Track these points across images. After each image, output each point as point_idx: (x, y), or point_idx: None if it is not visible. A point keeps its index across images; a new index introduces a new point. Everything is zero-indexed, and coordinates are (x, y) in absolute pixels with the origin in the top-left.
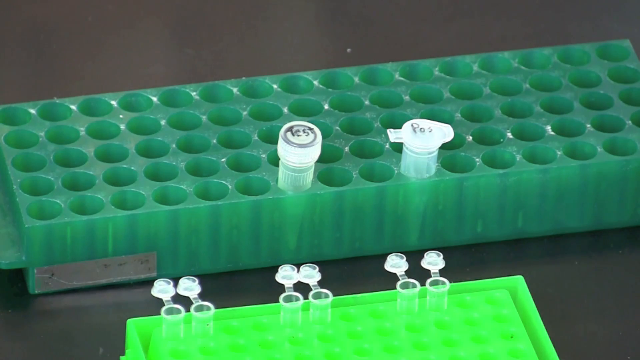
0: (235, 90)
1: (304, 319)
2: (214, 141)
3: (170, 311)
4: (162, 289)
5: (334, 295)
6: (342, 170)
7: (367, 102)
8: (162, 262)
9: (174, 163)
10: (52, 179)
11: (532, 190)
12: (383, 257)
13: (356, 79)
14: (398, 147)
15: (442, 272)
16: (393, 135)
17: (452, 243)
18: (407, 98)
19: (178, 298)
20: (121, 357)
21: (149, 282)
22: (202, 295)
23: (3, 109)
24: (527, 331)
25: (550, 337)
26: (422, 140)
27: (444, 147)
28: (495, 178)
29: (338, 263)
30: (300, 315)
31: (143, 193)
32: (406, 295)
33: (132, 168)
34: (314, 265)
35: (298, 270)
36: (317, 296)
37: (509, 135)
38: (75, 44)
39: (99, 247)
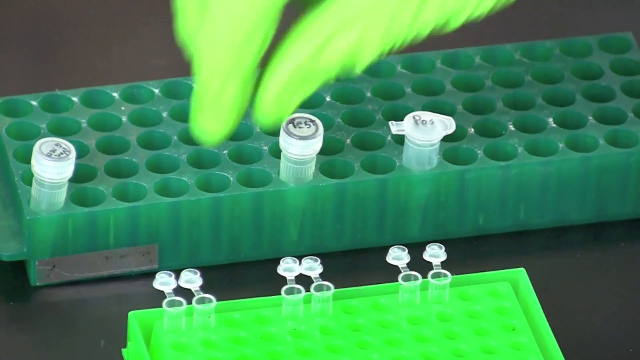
0: None
1: (306, 311)
2: None
3: (171, 303)
4: (163, 282)
5: (335, 288)
6: (343, 162)
7: (369, 94)
8: (163, 254)
9: (175, 155)
10: None
11: (533, 183)
12: (385, 250)
13: None
14: (400, 139)
15: (443, 265)
16: (395, 127)
17: (454, 235)
18: (409, 90)
19: (179, 290)
20: (123, 350)
21: (151, 274)
22: (204, 288)
23: (4, 100)
24: (528, 323)
25: (551, 329)
26: (424, 132)
27: (446, 139)
28: (497, 170)
29: (340, 255)
30: (302, 308)
31: (144, 185)
32: (408, 287)
33: (134, 160)
34: (315, 257)
35: (300, 263)
36: (319, 289)
37: (511, 127)
38: (77, 36)
39: (100, 239)
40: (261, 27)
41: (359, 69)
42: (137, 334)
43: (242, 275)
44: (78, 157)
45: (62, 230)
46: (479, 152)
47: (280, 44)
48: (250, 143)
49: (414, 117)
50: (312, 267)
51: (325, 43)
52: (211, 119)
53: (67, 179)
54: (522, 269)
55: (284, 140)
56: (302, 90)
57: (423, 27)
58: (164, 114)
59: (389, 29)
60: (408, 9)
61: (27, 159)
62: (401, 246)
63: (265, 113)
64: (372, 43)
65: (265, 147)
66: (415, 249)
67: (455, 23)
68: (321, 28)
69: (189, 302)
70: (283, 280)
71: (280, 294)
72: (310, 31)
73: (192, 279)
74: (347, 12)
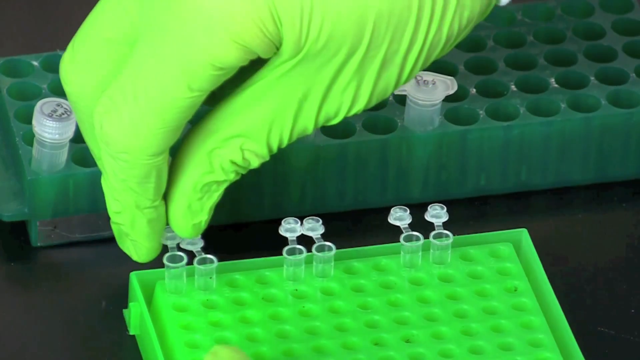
0: None
1: (307, 272)
2: None
3: (172, 258)
4: (170, 236)
5: (337, 248)
6: (345, 122)
7: None
8: None
9: None
10: None
11: (535, 143)
12: (386, 210)
13: None
14: (402, 100)
15: (445, 225)
16: None
17: (456, 196)
18: None
19: (182, 252)
20: (124, 310)
21: None
22: (206, 248)
23: (5, 60)
24: (530, 284)
25: (553, 289)
26: (425, 92)
27: (448, 99)
28: (498, 130)
29: (341, 216)
30: (304, 269)
31: None
32: (409, 248)
33: None
34: (317, 218)
35: (301, 223)
36: (321, 249)
37: (513, 87)
38: None
39: (101, 200)
40: (153, 169)
41: (253, 165)
42: (138, 294)
43: (243, 236)
44: None
45: (63, 190)
46: (481, 112)
47: (174, 160)
48: None
49: (415, 77)
50: (314, 227)
51: (211, 156)
52: (134, 246)
53: (68, 139)
54: (524, 230)
55: None
56: (209, 196)
57: (306, 125)
58: None
59: (271, 133)
60: (288, 113)
61: (28, 120)
62: (403, 207)
63: (182, 228)
64: (257, 148)
65: None
66: (417, 210)
67: (337, 119)
68: (202, 145)
69: (191, 263)
70: (285, 241)
71: (282, 254)
72: (194, 149)
73: (193, 241)
74: (227, 132)
